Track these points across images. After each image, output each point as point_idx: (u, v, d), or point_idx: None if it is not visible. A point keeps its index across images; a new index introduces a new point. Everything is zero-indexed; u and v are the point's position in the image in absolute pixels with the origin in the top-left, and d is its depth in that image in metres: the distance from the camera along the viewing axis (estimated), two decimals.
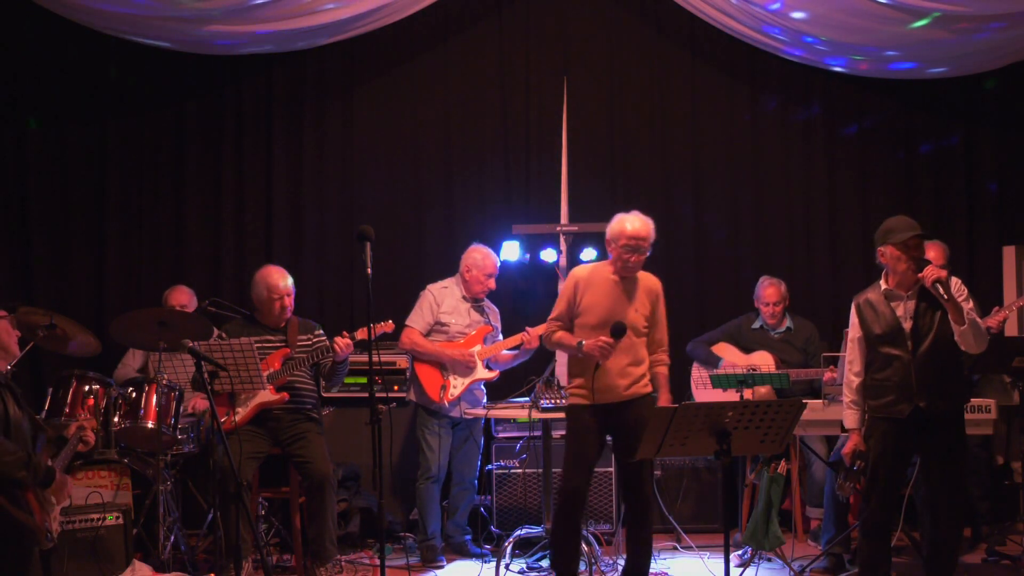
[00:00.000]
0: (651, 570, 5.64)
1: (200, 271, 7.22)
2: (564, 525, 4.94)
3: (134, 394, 5.56)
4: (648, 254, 4.95)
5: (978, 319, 4.63)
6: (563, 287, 5.04)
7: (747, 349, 6.33)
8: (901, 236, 4.68)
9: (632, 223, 4.89)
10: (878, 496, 4.78)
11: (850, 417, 4.91)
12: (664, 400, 5.00)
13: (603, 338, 4.76)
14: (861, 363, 4.86)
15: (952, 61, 6.88)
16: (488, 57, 7.33)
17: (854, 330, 4.90)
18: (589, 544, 5.37)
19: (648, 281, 5.02)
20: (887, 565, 4.81)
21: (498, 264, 6.20)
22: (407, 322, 6.09)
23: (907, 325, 4.70)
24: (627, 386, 4.90)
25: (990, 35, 6.56)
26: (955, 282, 4.70)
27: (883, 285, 4.82)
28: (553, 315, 5.05)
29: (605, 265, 5.05)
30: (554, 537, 5.02)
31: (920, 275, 4.60)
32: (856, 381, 4.87)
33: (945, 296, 4.57)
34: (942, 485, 4.72)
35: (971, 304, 4.71)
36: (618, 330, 4.77)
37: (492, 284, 6.15)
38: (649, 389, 5.00)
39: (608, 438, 5.06)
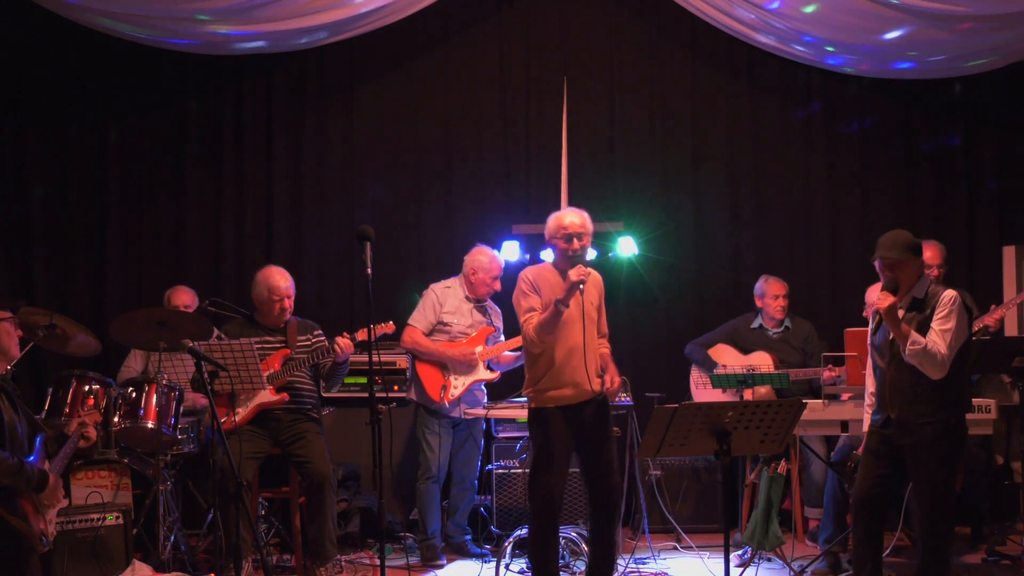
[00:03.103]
0: (651, 570, 5.68)
1: (200, 271, 7.22)
2: (542, 531, 4.87)
3: (134, 394, 5.56)
4: (587, 243, 4.92)
5: (933, 349, 4.43)
6: (520, 287, 4.93)
7: (745, 350, 6.33)
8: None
9: (567, 216, 4.92)
10: (856, 487, 4.77)
11: (864, 420, 4.87)
12: (611, 374, 4.96)
13: (577, 268, 4.72)
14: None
15: (952, 61, 6.87)
16: (488, 57, 7.34)
17: (871, 335, 4.84)
18: (576, 546, 5.38)
19: (592, 274, 4.98)
20: (873, 560, 4.71)
21: (503, 266, 6.20)
22: (409, 321, 6.09)
23: (891, 336, 4.62)
24: (590, 383, 4.85)
25: (990, 35, 6.57)
26: (946, 297, 4.53)
27: None
28: (526, 307, 4.89)
29: (546, 265, 5.07)
30: (533, 545, 4.93)
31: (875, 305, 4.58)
32: (872, 386, 4.82)
33: (893, 324, 4.52)
34: (917, 495, 4.64)
35: (950, 324, 4.47)
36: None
37: (497, 286, 6.16)
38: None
39: None
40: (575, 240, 4.87)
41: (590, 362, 4.84)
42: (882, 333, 4.68)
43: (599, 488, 4.94)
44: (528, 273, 4.98)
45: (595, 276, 5.04)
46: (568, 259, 4.86)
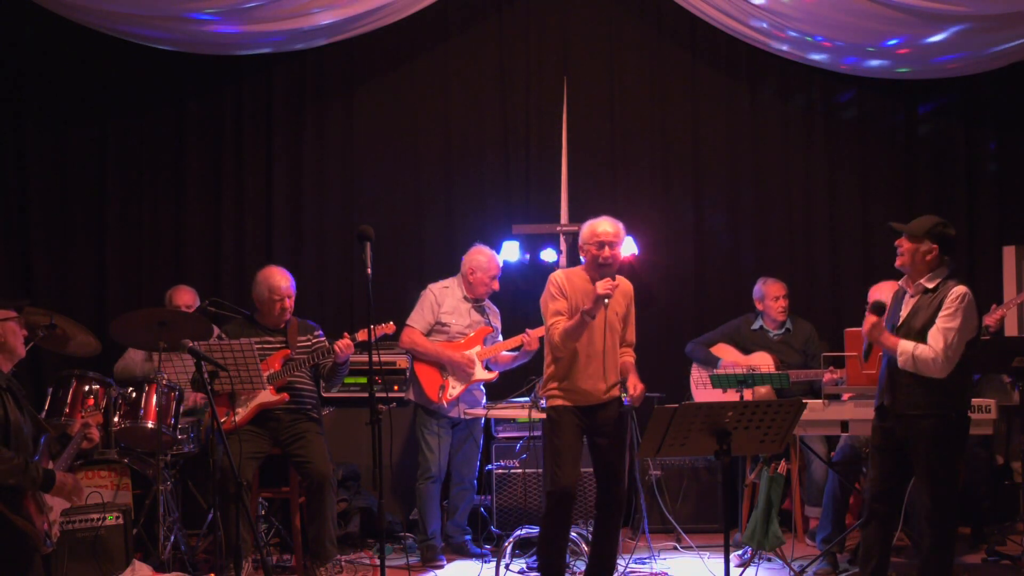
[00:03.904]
0: (651, 570, 5.68)
1: (200, 271, 7.22)
2: (556, 527, 4.92)
3: (134, 394, 5.57)
4: (618, 253, 4.95)
5: (923, 354, 4.42)
6: (548, 290, 4.97)
7: (746, 350, 6.33)
8: None
9: (601, 224, 4.96)
10: (868, 484, 4.77)
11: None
12: (633, 381, 4.99)
13: (605, 281, 4.76)
14: None
15: (950, 61, 6.87)
16: (488, 57, 7.33)
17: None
18: (577, 546, 5.38)
19: (621, 283, 5.04)
20: (880, 556, 4.71)
21: (501, 265, 6.20)
22: (408, 321, 6.09)
23: (898, 324, 4.62)
24: (606, 389, 4.93)
25: (990, 35, 6.56)
26: (954, 293, 4.46)
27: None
28: (553, 311, 4.93)
29: (578, 269, 5.08)
30: (544, 540, 4.97)
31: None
32: None
33: (879, 342, 4.56)
34: (917, 489, 4.64)
35: (954, 323, 4.41)
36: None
37: (496, 286, 6.16)
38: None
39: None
40: (606, 248, 4.91)
41: (609, 370, 4.89)
42: (890, 321, 4.67)
43: (605, 491, 4.97)
44: (558, 276, 5.04)
45: (625, 285, 5.08)
46: (599, 266, 4.92)
